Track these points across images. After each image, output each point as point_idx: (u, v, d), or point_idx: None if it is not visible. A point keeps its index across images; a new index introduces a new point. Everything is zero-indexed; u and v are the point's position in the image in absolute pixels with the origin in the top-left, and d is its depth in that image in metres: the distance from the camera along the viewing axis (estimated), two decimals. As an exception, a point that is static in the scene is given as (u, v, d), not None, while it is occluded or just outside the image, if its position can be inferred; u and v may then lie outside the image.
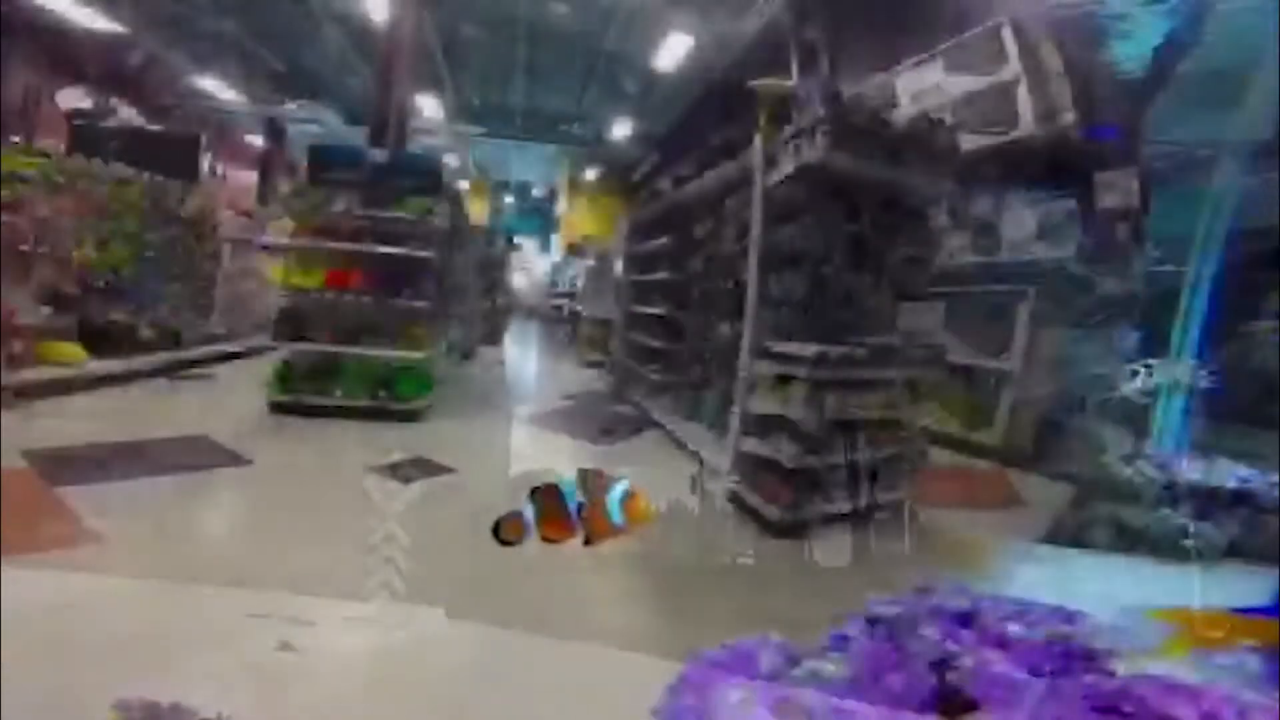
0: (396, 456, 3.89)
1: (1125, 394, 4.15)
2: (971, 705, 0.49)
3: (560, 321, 13.27)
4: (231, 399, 5.10)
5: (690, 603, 2.39)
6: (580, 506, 1.01)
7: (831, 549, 3.01)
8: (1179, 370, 4.05)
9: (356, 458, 3.78)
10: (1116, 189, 4.56)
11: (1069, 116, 4.68)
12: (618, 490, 0.99)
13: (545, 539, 1.06)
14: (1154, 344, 4.35)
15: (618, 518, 0.99)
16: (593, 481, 1.02)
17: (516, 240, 16.65)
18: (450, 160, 17.04)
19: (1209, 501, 3.14)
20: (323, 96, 13.20)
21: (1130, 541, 3.08)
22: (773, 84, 3.53)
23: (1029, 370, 4.75)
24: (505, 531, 1.07)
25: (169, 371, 5.90)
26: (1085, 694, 0.45)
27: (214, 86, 12.17)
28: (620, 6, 9.07)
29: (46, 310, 4.91)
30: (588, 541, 1.04)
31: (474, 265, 8.85)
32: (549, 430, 5.12)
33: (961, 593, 0.68)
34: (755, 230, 3.43)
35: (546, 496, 1.04)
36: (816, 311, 3.25)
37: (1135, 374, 4.13)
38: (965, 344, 5.12)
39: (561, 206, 20.02)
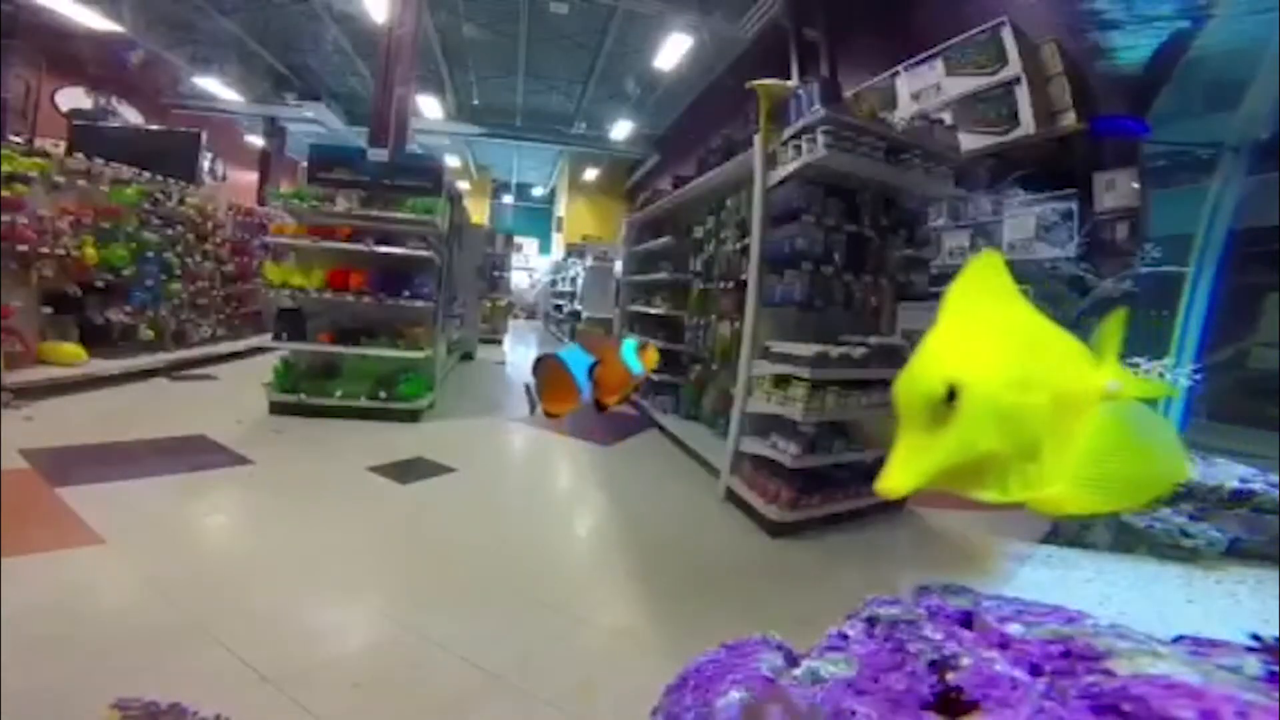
0: (396, 456, 3.89)
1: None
2: (971, 705, 0.49)
3: (560, 322, 13.27)
4: (231, 399, 5.10)
5: (691, 603, 2.39)
6: (592, 369, 1.04)
7: (831, 548, 3.01)
8: (1161, 368, 4.06)
9: (356, 458, 3.78)
10: (1116, 189, 4.56)
11: (1069, 116, 4.68)
12: (631, 344, 1.08)
13: (549, 414, 1.08)
14: (1154, 344, 4.35)
15: (636, 366, 1.06)
16: (600, 343, 1.08)
17: (516, 240, 16.65)
18: (450, 160, 17.08)
19: (1209, 501, 3.14)
20: (323, 96, 13.20)
21: (1130, 541, 3.08)
22: (773, 84, 3.52)
23: (1029, 370, 4.74)
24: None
25: (169, 371, 5.90)
26: (1085, 694, 0.45)
27: (214, 86, 12.18)
28: (620, 6, 9.07)
29: (46, 310, 4.91)
30: (602, 406, 1.07)
31: (474, 265, 8.85)
32: (549, 430, 5.13)
33: (961, 593, 0.68)
34: (755, 230, 3.43)
35: (548, 370, 1.05)
36: (816, 311, 3.25)
37: None
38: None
39: (561, 206, 20.05)
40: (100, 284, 5.34)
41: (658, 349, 1.10)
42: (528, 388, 1.08)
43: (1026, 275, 4.90)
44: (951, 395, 0.52)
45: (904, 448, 0.54)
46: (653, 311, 5.80)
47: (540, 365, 1.07)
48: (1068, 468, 0.57)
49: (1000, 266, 0.67)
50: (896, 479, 0.53)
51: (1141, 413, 0.63)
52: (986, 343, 0.58)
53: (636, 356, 1.07)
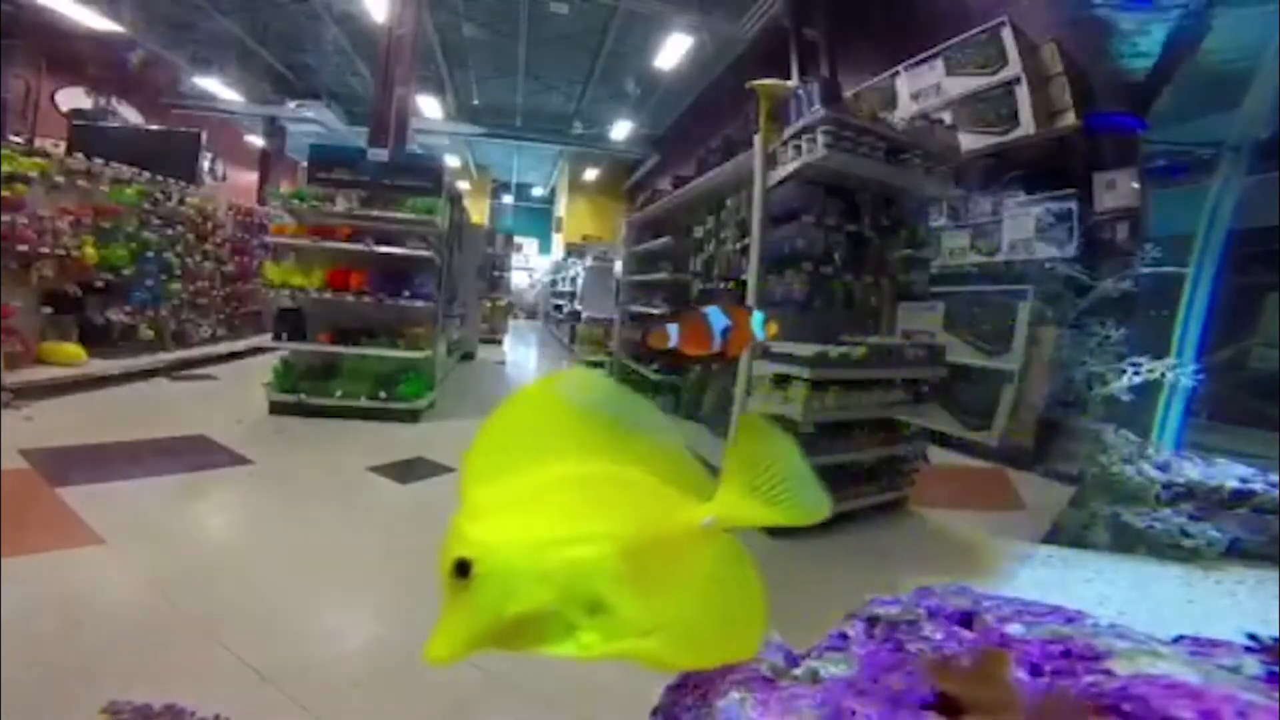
0: (396, 456, 3.89)
1: (1113, 391, 4.16)
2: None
3: (560, 321, 13.28)
4: (231, 399, 5.10)
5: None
6: (726, 330, 1.35)
7: (831, 548, 3.01)
8: (1164, 368, 4.06)
9: (356, 458, 3.78)
10: (1116, 189, 4.56)
11: (1069, 116, 4.69)
12: (759, 316, 1.39)
13: (683, 352, 1.37)
14: (1154, 344, 4.35)
15: (761, 334, 1.39)
16: (737, 312, 1.38)
17: (516, 240, 16.66)
18: (450, 160, 17.08)
19: (1209, 501, 3.14)
20: (323, 96, 13.20)
21: (1130, 541, 3.08)
22: (773, 84, 3.52)
23: (1029, 370, 4.75)
24: (652, 339, 1.38)
25: (169, 371, 5.90)
26: (1085, 694, 0.45)
27: (214, 86, 12.18)
28: (620, 6, 9.07)
29: (46, 310, 4.91)
30: (725, 355, 1.43)
31: (474, 265, 8.85)
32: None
33: (961, 593, 0.68)
34: (755, 230, 3.43)
35: (692, 319, 1.37)
36: (816, 311, 3.26)
37: (1123, 372, 4.15)
38: (965, 344, 5.12)
39: (561, 206, 20.05)
40: (100, 284, 5.35)
41: (777, 327, 1.43)
42: (649, 331, 1.41)
43: (1026, 275, 4.91)
44: (465, 568, 0.51)
45: (445, 614, 0.53)
46: (653, 311, 5.80)
47: (686, 315, 1.38)
48: (671, 613, 0.56)
49: (551, 399, 0.65)
50: (436, 648, 0.52)
51: (732, 563, 0.61)
52: (513, 504, 0.57)
53: (763, 327, 1.38)
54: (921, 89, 5.75)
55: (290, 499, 3.14)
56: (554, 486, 0.59)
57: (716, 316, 1.35)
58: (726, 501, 0.63)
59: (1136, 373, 4.07)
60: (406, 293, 4.78)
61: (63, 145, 6.84)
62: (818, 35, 7.83)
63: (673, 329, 1.35)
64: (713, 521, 0.61)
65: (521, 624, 0.53)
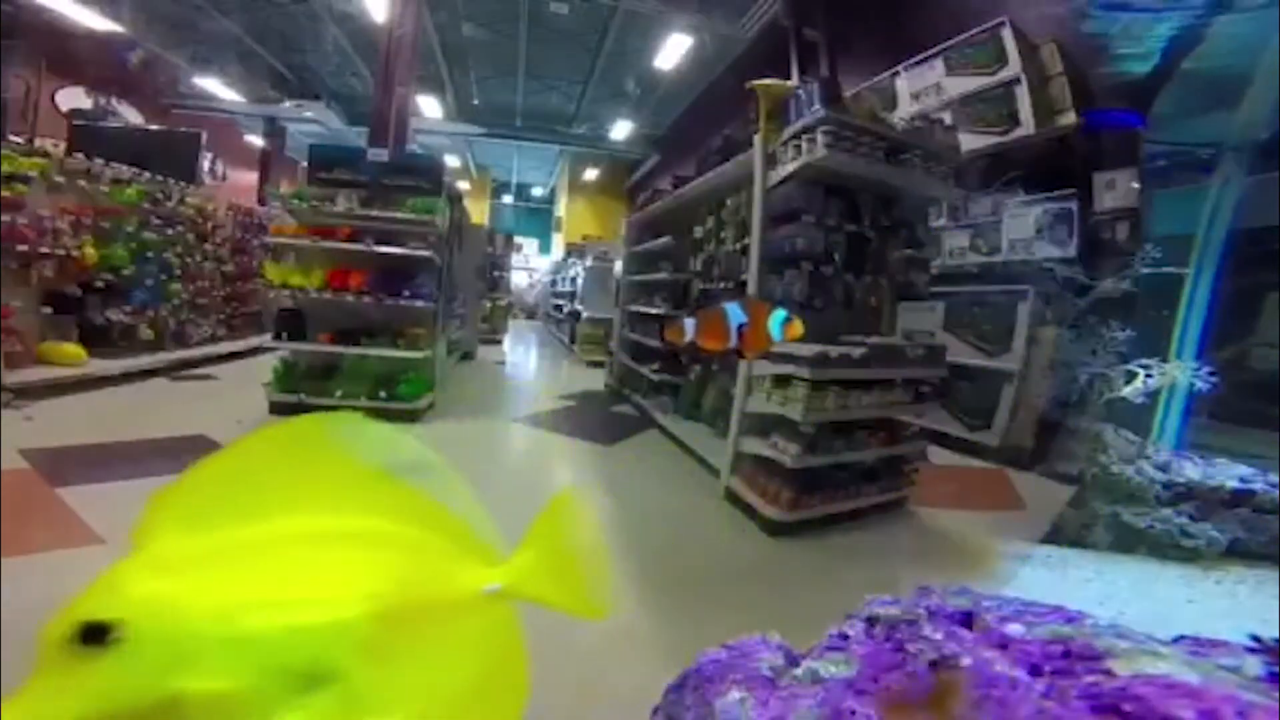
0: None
1: (1124, 395, 4.16)
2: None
3: (560, 321, 13.28)
4: (231, 399, 5.10)
5: (690, 603, 2.39)
6: (741, 327, 1.28)
7: (831, 548, 3.01)
8: (1177, 372, 4.06)
9: (356, 458, 3.78)
10: (1116, 189, 4.56)
11: (1069, 116, 4.69)
12: (779, 315, 1.28)
13: (701, 347, 1.33)
14: (1154, 344, 4.35)
15: (778, 335, 1.28)
16: (755, 308, 1.30)
17: (516, 240, 16.65)
18: (450, 160, 17.08)
19: (1209, 501, 3.15)
20: (323, 96, 13.20)
21: (1130, 541, 3.08)
22: (773, 84, 3.53)
23: (1029, 370, 4.75)
24: (669, 333, 1.36)
25: (169, 371, 5.90)
26: (1085, 694, 0.45)
27: (214, 86, 12.18)
28: (620, 6, 9.08)
29: (46, 310, 4.92)
30: (741, 355, 1.40)
31: (474, 265, 8.85)
32: (549, 430, 5.13)
33: (961, 593, 0.69)
34: (755, 230, 3.44)
35: (709, 315, 1.32)
36: (816, 311, 3.26)
37: (1134, 375, 4.14)
38: (965, 344, 5.13)
39: (561, 206, 20.06)
40: (100, 284, 5.34)
41: (801, 327, 1.33)
42: (667, 325, 1.37)
43: (1026, 275, 4.91)
44: (98, 632, 0.38)
45: (33, 688, 0.37)
46: (653, 311, 5.80)
47: (706, 310, 1.34)
48: (423, 687, 0.48)
49: (310, 442, 0.52)
50: None
51: (502, 636, 0.51)
52: (220, 556, 0.45)
53: (782, 327, 1.27)
54: (921, 89, 5.75)
55: (290, 499, 3.13)
56: (291, 539, 0.49)
57: (734, 312, 1.29)
58: (518, 570, 0.55)
59: (1149, 375, 4.06)
60: (406, 293, 4.78)
61: (63, 145, 6.84)
62: (818, 35, 7.84)
63: (689, 323, 1.33)
64: (496, 589, 0.54)
65: (181, 704, 0.42)
